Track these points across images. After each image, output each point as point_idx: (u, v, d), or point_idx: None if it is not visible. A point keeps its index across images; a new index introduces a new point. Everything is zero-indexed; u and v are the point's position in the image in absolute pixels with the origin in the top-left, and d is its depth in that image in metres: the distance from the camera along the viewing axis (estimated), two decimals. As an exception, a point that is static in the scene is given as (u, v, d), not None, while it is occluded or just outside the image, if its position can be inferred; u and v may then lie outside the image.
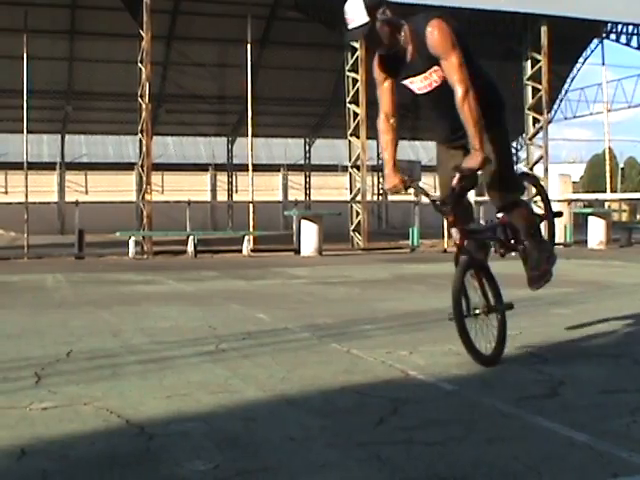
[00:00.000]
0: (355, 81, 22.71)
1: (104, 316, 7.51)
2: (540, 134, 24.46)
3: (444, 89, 4.63)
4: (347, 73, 23.31)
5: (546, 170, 23.67)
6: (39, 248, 20.80)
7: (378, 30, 4.59)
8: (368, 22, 4.55)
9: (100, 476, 2.89)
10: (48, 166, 37.08)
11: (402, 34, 4.66)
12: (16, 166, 29.18)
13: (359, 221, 22.50)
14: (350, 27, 4.61)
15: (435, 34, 4.55)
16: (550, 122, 26.03)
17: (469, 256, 4.77)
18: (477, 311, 4.77)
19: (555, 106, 33.05)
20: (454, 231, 4.81)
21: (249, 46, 22.79)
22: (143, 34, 20.90)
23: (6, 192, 38.17)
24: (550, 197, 5.98)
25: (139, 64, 21.67)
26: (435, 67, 4.64)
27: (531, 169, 24.58)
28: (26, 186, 22.18)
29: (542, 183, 6.16)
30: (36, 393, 4.15)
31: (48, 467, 2.96)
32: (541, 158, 24.05)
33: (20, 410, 3.79)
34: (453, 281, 4.67)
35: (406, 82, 4.82)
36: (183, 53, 28.58)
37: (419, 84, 4.78)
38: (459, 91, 4.51)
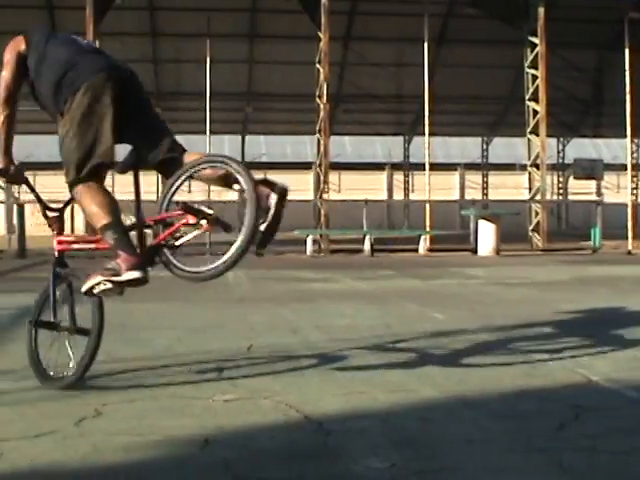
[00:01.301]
0: (535, 78, 22.21)
1: (283, 312, 7.66)
2: None
3: None
4: (526, 70, 22.83)
5: None
6: (220, 245, 21.50)
7: None
8: None
9: (279, 467, 2.94)
10: (229, 166, 38.26)
11: None
12: (199, 166, 30.20)
13: (538, 221, 22.00)
14: None
15: None
16: None
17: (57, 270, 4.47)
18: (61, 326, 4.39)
19: None
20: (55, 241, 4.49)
21: (426, 45, 22.71)
22: (321, 35, 21.23)
23: (189, 191, 39.66)
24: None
25: (317, 65, 22.03)
26: None
27: None
28: (208, 186, 22.98)
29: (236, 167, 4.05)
30: (219, 385, 4.29)
31: (230, 456, 3.04)
32: None
33: (204, 401, 3.92)
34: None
35: None
36: (360, 53, 28.77)
37: None
38: None
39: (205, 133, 23.72)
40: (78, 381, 4.19)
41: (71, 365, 4.23)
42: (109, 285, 4.07)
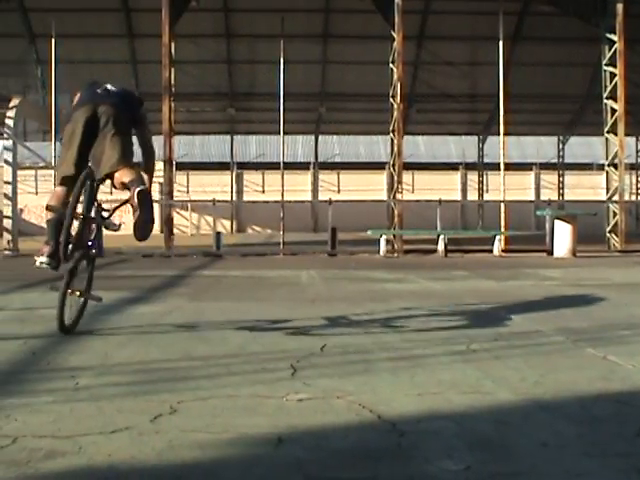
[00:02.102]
0: (613, 75, 21.79)
1: (356, 312, 7.66)
2: None
3: None
4: (604, 67, 22.41)
5: None
6: (293, 245, 21.61)
7: None
8: None
9: (352, 468, 2.94)
10: (302, 166, 38.49)
11: None
12: (272, 166, 30.54)
13: (616, 222, 21.59)
14: None
15: None
16: None
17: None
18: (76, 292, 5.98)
19: None
20: None
21: (501, 43, 22.48)
22: (395, 35, 21.17)
23: (263, 191, 39.98)
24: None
25: (390, 65, 21.97)
26: None
27: None
28: (282, 185, 23.13)
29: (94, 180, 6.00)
30: (292, 384, 4.30)
31: (303, 456, 3.05)
32: None
33: (277, 400, 3.93)
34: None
35: None
36: (434, 52, 28.64)
37: None
38: None
39: (279, 133, 23.87)
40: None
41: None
42: (37, 264, 5.76)
